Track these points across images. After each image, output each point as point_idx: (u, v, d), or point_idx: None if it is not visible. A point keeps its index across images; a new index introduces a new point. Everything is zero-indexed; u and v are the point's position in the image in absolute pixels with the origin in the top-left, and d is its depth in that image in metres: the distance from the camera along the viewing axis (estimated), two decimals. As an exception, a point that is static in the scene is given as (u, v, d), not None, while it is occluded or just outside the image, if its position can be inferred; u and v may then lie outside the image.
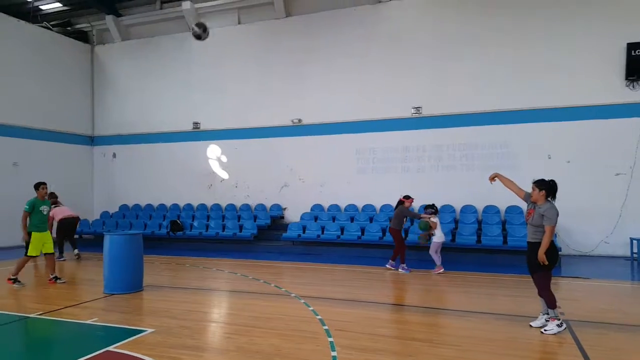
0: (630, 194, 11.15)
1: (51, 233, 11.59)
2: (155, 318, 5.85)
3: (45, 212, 8.07)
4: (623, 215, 11.16)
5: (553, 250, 5.21)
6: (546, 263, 5.14)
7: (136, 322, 5.65)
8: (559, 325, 5.12)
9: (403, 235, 9.84)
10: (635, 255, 10.67)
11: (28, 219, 7.90)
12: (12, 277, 7.96)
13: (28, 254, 7.91)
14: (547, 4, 11.89)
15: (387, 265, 9.64)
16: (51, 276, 8.26)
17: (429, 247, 9.50)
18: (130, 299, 6.98)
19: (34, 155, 15.05)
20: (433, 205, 9.64)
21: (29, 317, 5.96)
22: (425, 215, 9.50)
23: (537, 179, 5.40)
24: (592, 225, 11.32)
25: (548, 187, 5.26)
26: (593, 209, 11.29)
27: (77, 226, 12.16)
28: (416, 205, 11.16)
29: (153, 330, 5.26)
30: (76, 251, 11.62)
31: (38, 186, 8.12)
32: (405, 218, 9.71)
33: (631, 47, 11.10)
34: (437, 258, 9.26)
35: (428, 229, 9.30)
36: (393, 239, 9.68)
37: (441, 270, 9.17)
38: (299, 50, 14.38)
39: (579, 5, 11.65)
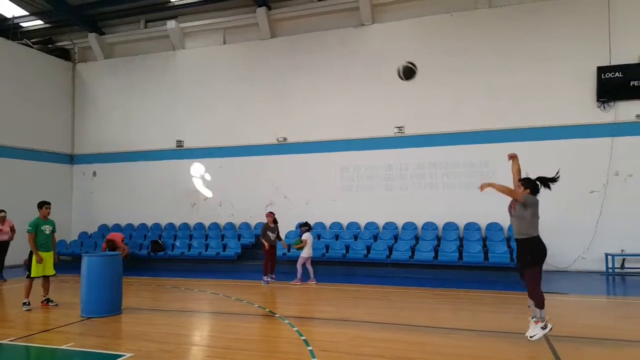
0: (604, 211, 11.46)
1: None
2: (135, 342, 5.72)
3: (47, 232, 7.92)
4: (598, 232, 11.44)
5: (539, 245, 5.35)
6: (486, 187, 5.37)
7: (114, 347, 5.51)
8: (543, 328, 5.20)
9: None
10: (610, 271, 10.91)
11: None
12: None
13: (31, 276, 7.83)
14: (522, 29, 12.30)
15: (266, 279, 10.36)
16: (44, 299, 8.06)
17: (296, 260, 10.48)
18: (109, 322, 6.81)
19: (10, 174, 14.66)
20: (307, 223, 10.71)
21: (1, 344, 5.75)
22: (300, 242, 10.37)
23: (524, 177, 5.67)
24: (569, 242, 11.55)
25: (533, 187, 5.54)
26: (569, 225, 11.55)
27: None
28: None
29: (132, 354, 5.14)
30: None
31: (41, 205, 7.99)
32: (268, 232, 10.60)
33: (601, 70, 11.57)
34: (299, 271, 10.25)
35: (299, 242, 10.40)
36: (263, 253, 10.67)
37: (299, 284, 10.11)
38: (284, 70, 14.53)
39: (552, 31, 12.08)
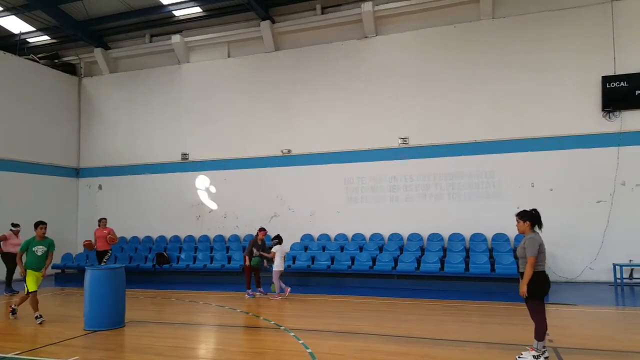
0: (611, 221, 11.34)
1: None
2: (139, 355, 5.69)
3: (39, 253, 7.80)
4: (605, 242, 11.31)
5: (543, 279, 5.23)
6: (525, 295, 5.22)
7: (120, 360, 5.49)
8: (535, 357, 5.06)
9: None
10: (618, 281, 10.78)
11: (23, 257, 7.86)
12: (13, 307, 8.00)
13: (29, 291, 7.80)
14: (526, 40, 12.33)
15: (257, 294, 10.46)
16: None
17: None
18: (113, 335, 6.78)
19: (16, 188, 14.73)
20: (278, 235, 10.68)
21: (6, 357, 5.73)
22: (257, 254, 10.40)
23: (519, 211, 5.50)
24: (577, 252, 11.44)
25: (530, 217, 5.37)
26: (577, 236, 11.44)
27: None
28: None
29: (137, 368, 5.12)
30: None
31: (36, 226, 7.97)
32: (254, 249, 10.50)
33: (606, 80, 11.55)
34: (277, 285, 10.20)
35: (259, 264, 10.48)
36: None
37: (278, 298, 10.02)
38: (288, 83, 14.62)
39: (556, 41, 12.10)
